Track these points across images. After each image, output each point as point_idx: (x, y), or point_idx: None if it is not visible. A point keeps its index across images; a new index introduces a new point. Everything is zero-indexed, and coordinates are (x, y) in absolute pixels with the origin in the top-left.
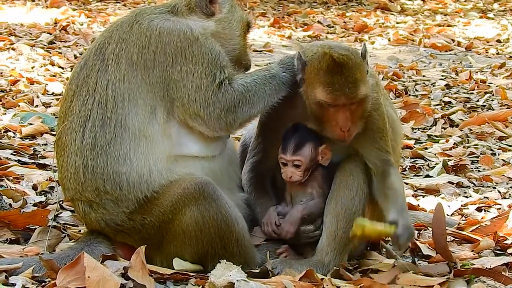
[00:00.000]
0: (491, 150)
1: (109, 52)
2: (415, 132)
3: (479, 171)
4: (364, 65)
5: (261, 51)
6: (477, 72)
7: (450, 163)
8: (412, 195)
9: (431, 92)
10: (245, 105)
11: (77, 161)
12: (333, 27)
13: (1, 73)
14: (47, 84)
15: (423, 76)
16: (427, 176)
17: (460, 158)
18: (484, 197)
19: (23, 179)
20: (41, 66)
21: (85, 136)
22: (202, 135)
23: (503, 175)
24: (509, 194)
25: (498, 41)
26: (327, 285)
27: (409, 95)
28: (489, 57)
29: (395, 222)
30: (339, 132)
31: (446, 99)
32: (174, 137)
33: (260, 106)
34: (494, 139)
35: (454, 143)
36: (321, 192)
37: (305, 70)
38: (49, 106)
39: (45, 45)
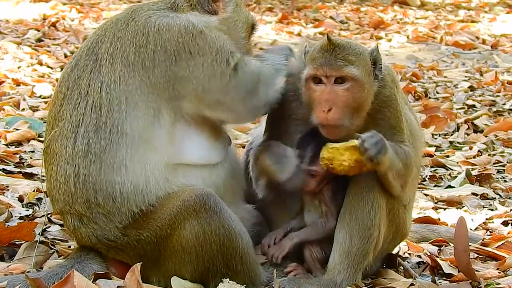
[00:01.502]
0: None
1: (103, 52)
2: (435, 139)
3: (505, 181)
4: (366, 60)
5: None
6: (503, 73)
7: (473, 173)
8: (432, 208)
9: (453, 95)
10: (263, 85)
11: (68, 170)
12: (346, 23)
13: None
14: (34, 86)
15: (445, 77)
16: (449, 186)
17: (484, 167)
18: (511, 210)
19: (8, 189)
20: (28, 66)
21: (77, 142)
22: (206, 138)
23: None
24: None
25: None
26: None
27: (429, 98)
28: None
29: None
30: (322, 114)
31: (470, 102)
32: (177, 141)
33: (274, 88)
34: None
35: (478, 151)
36: (327, 210)
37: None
38: (37, 110)
39: (33, 43)
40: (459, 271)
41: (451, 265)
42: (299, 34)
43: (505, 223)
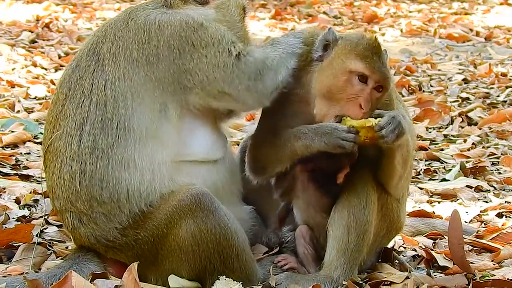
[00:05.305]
0: None
1: (105, 52)
2: (430, 132)
3: (499, 173)
4: None
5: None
6: (497, 65)
7: (468, 165)
8: (427, 201)
9: (447, 88)
10: (269, 71)
11: (74, 166)
12: (340, 18)
13: None
14: (29, 87)
15: (439, 70)
16: (443, 180)
17: (479, 160)
18: (506, 201)
19: (4, 192)
20: (23, 68)
21: (83, 139)
22: (210, 132)
23: None
24: None
25: None
26: None
27: (423, 91)
28: (511, 48)
29: (380, 115)
30: (358, 110)
31: (464, 95)
32: (183, 135)
33: (283, 72)
34: None
35: (473, 143)
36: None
37: (336, 45)
38: (32, 112)
39: (27, 45)
40: (454, 264)
41: (446, 258)
42: (292, 30)
43: (499, 215)
